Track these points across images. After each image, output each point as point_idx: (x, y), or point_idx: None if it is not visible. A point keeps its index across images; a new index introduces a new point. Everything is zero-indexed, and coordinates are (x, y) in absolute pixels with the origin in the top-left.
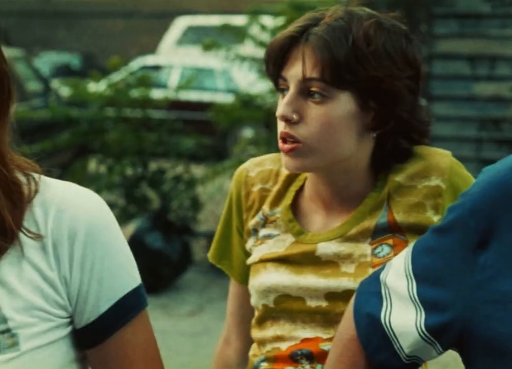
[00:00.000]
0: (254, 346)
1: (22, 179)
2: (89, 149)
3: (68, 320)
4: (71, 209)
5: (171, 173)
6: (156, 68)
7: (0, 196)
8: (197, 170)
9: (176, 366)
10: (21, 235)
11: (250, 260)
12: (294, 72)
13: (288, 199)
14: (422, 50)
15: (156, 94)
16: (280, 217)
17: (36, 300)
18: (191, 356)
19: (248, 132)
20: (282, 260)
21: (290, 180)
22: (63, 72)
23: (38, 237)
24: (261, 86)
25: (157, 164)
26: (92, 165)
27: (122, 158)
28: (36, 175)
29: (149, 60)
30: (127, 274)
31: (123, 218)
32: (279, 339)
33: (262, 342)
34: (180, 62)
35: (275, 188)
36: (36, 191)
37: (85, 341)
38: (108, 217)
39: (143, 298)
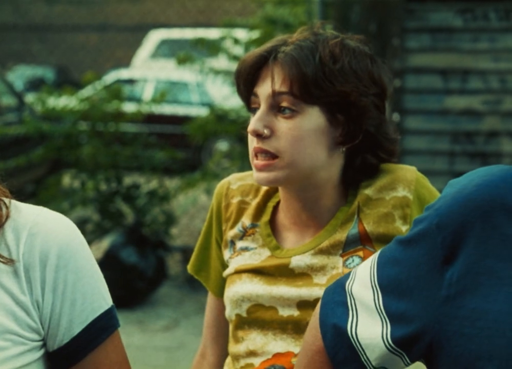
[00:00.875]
0: (228, 361)
1: None
2: (63, 164)
3: (41, 343)
4: (43, 233)
5: (146, 188)
6: (131, 81)
7: None
8: (172, 184)
9: None
10: None
11: (226, 272)
12: (264, 88)
13: (267, 214)
14: (394, 64)
15: (131, 107)
16: (259, 231)
17: (9, 323)
18: None
19: (222, 146)
20: (257, 271)
21: (268, 195)
22: (37, 85)
23: (9, 261)
24: (236, 101)
25: (132, 178)
26: (67, 180)
27: (96, 172)
28: (6, 200)
29: (123, 73)
30: (99, 297)
31: (97, 232)
32: (251, 354)
33: (236, 357)
34: (155, 76)
35: (254, 202)
36: (7, 217)
37: (58, 363)
38: (79, 240)
39: (115, 319)
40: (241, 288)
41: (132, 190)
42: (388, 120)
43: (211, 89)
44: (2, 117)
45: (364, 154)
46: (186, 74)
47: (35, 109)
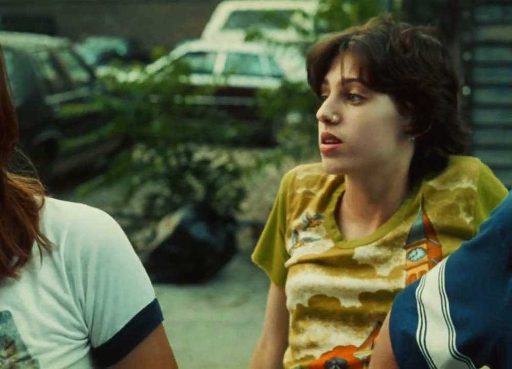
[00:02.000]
0: (288, 352)
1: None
2: (135, 139)
3: (86, 340)
4: (83, 231)
5: (216, 163)
6: (201, 54)
7: (16, 205)
8: (241, 157)
9: (221, 357)
10: (34, 257)
11: (288, 262)
12: (334, 75)
13: (332, 205)
14: (464, 37)
15: (202, 80)
16: (323, 222)
17: (53, 324)
18: (236, 347)
19: (293, 117)
20: (320, 262)
21: (333, 186)
22: (110, 57)
23: (51, 247)
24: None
25: (201, 153)
26: (138, 154)
27: (166, 148)
28: (39, 198)
29: (194, 46)
30: (141, 292)
31: (167, 208)
32: (312, 345)
33: (296, 348)
34: (225, 48)
35: (319, 193)
36: (43, 201)
37: (103, 359)
38: (120, 236)
39: (158, 313)
40: (304, 278)
41: (202, 165)
42: (459, 114)
43: (282, 61)
44: (73, 92)
45: (433, 145)
46: (257, 46)
47: (105, 84)
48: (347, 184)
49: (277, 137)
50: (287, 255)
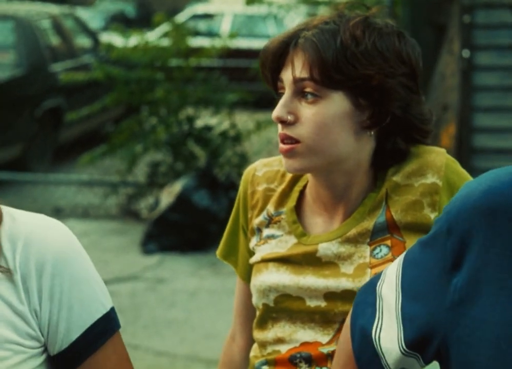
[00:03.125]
0: (255, 347)
1: None
2: (138, 106)
3: (42, 349)
4: (38, 242)
5: (218, 129)
6: (208, 16)
7: None
8: (244, 120)
9: (224, 327)
10: None
11: (252, 260)
12: (287, 75)
13: (292, 200)
14: (464, 0)
15: (208, 42)
16: (285, 218)
17: (8, 334)
18: None
19: None
20: (284, 260)
21: (294, 180)
22: (119, 20)
23: (7, 271)
24: None
25: (204, 120)
26: (140, 122)
27: (168, 115)
28: None
29: (200, 8)
30: (96, 301)
31: (170, 175)
32: (279, 341)
33: (263, 344)
34: (231, 10)
35: (280, 188)
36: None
37: (61, 366)
38: (75, 246)
39: (114, 322)
40: (268, 278)
41: (204, 132)
42: (422, 100)
43: (288, 22)
44: (78, 59)
45: (394, 137)
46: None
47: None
48: (310, 180)
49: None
50: (251, 252)
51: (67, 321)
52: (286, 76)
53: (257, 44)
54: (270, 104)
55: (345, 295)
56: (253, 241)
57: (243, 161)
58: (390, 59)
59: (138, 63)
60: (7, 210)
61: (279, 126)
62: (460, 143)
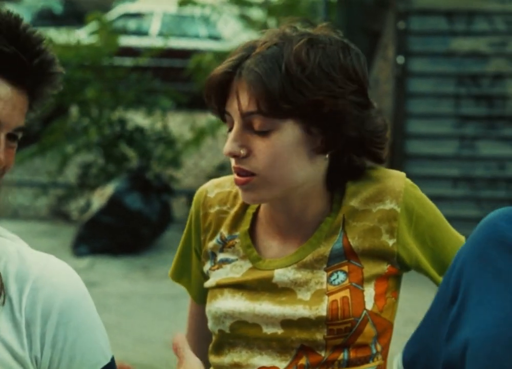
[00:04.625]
0: None
1: None
2: (68, 105)
3: None
4: (47, 288)
5: (150, 131)
6: (138, 15)
7: None
8: (177, 121)
9: (158, 331)
10: None
11: (207, 284)
12: (234, 107)
13: (246, 223)
14: (399, 6)
15: (139, 41)
16: (239, 242)
17: None
18: (173, 320)
19: None
20: (239, 286)
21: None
22: (46, 17)
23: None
24: (245, 36)
25: (136, 121)
26: (71, 122)
27: (100, 116)
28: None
29: (131, 7)
30: (98, 352)
31: (102, 177)
32: (236, 366)
33: (219, 368)
34: (162, 9)
35: (233, 211)
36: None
37: None
38: (83, 294)
39: None
40: (223, 305)
41: (137, 134)
42: (373, 111)
43: (219, 23)
44: None
45: (349, 154)
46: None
47: None
48: (264, 206)
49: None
50: (205, 275)
51: None
52: (234, 109)
53: (188, 44)
54: (203, 106)
55: (302, 323)
56: (207, 265)
57: (176, 164)
58: (337, 79)
59: (68, 62)
60: (16, 247)
61: (232, 160)
62: (394, 149)
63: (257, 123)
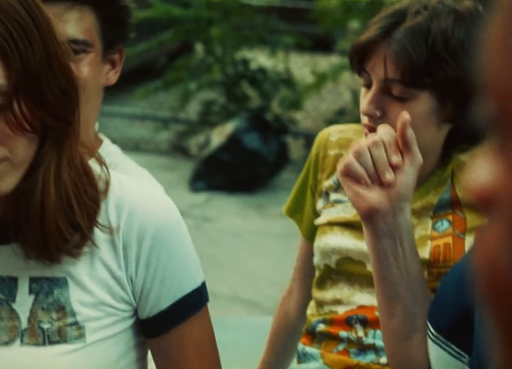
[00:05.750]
0: (312, 305)
1: (96, 168)
2: (192, 46)
3: (132, 312)
4: (142, 214)
5: (272, 72)
6: None
7: (79, 194)
8: (299, 62)
9: (268, 269)
10: (96, 233)
11: (318, 221)
12: (377, 71)
13: None
14: None
15: None
16: None
17: (104, 296)
18: (282, 259)
19: (354, 24)
20: (349, 225)
21: None
22: None
23: (110, 231)
24: None
25: (259, 61)
26: (195, 60)
27: (224, 55)
28: (103, 175)
29: None
30: (188, 276)
31: (222, 115)
32: (337, 302)
33: (320, 303)
34: None
35: None
36: (107, 184)
37: (146, 331)
38: (176, 222)
39: (203, 297)
40: (332, 240)
41: (259, 74)
42: None
43: None
44: None
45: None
46: None
47: None
48: None
49: (339, 45)
50: (317, 213)
51: (159, 291)
52: (375, 72)
53: None
54: (326, 48)
55: None
56: (320, 203)
57: (296, 105)
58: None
59: (196, 1)
60: (116, 175)
61: (365, 117)
62: None
63: (396, 89)
